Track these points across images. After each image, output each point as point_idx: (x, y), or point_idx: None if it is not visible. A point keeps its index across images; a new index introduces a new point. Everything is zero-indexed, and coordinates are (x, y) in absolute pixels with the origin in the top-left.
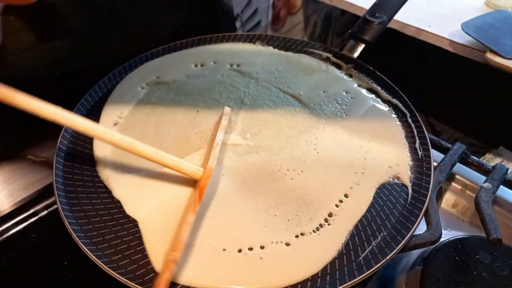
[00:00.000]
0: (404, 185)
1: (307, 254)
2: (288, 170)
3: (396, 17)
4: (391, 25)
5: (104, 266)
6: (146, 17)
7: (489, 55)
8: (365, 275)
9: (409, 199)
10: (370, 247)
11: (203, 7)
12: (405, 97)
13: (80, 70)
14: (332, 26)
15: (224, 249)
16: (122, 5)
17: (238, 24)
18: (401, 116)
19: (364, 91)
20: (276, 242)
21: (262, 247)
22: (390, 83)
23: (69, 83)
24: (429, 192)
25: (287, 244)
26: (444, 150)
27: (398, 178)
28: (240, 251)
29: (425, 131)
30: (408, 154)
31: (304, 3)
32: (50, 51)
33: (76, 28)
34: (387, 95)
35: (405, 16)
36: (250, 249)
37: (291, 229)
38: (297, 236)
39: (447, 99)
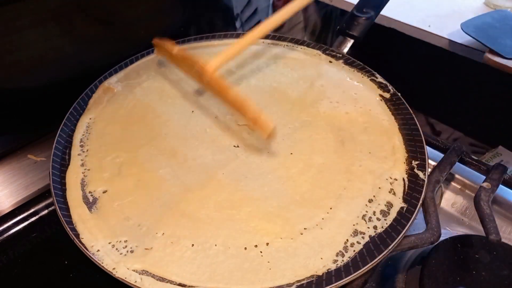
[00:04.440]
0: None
1: (310, 250)
2: (286, 167)
3: (396, 17)
4: (391, 25)
5: (95, 259)
6: (146, 17)
7: (489, 55)
8: (361, 272)
9: (404, 196)
10: (366, 244)
11: (203, 7)
12: (395, 90)
13: (79, 70)
14: (332, 26)
15: (228, 247)
16: (122, 6)
17: (238, 24)
18: (393, 109)
19: (355, 85)
20: (281, 238)
21: (267, 244)
22: (380, 77)
23: (67, 83)
24: (424, 189)
25: (292, 240)
26: (443, 150)
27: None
28: (245, 249)
29: (417, 123)
30: (402, 147)
31: None
32: (49, 52)
33: (75, 28)
34: (378, 89)
35: (405, 16)
36: (256, 246)
37: (294, 225)
38: (301, 233)
39: (446, 99)
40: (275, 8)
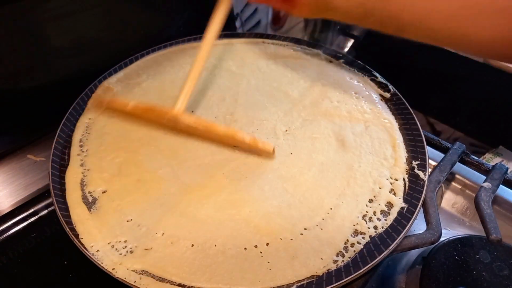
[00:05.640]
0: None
1: (311, 250)
2: (287, 167)
3: None
4: None
5: (94, 259)
6: (146, 17)
7: None
8: (361, 272)
9: (404, 196)
10: (366, 244)
11: (203, 7)
12: (395, 90)
13: (79, 70)
14: (332, 26)
15: (228, 248)
16: (122, 6)
17: (238, 23)
18: (393, 109)
19: (356, 85)
20: (281, 238)
21: (267, 244)
22: (380, 77)
23: (67, 83)
24: (424, 189)
25: (292, 240)
26: (444, 150)
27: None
28: (245, 249)
29: (418, 123)
30: (403, 147)
31: None
32: (50, 52)
33: (75, 28)
34: (378, 89)
35: None
36: (256, 246)
37: (294, 225)
38: (301, 233)
39: (447, 99)
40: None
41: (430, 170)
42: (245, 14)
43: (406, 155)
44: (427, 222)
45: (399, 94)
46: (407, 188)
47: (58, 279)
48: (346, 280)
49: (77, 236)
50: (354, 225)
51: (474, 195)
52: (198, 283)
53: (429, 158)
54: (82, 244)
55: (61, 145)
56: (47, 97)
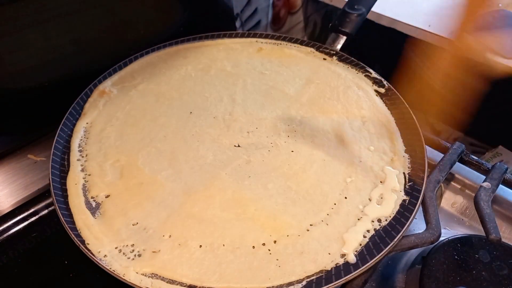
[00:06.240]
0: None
1: (318, 245)
2: (289, 164)
3: (396, 17)
4: (391, 25)
5: (103, 265)
6: (146, 17)
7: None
8: (369, 265)
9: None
10: (366, 243)
11: (203, 7)
12: (390, 85)
13: (79, 69)
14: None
15: (237, 247)
16: (122, 6)
17: (238, 23)
18: (389, 104)
19: (350, 81)
20: (288, 235)
21: (275, 242)
22: (374, 72)
23: (68, 82)
24: (423, 188)
25: (299, 236)
26: (443, 150)
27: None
28: (253, 247)
29: (413, 116)
30: (400, 140)
31: (304, 2)
32: (49, 52)
33: (75, 28)
34: (373, 85)
35: (405, 16)
36: (263, 244)
37: (300, 221)
38: (307, 229)
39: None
40: (275, 8)
41: (429, 169)
42: (245, 14)
43: (404, 148)
44: (427, 221)
45: (394, 89)
46: (407, 181)
47: (58, 279)
48: (355, 274)
49: (83, 242)
50: (358, 219)
51: (473, 194)
52: (209, 284)
53: (427, 153)
54: (89, 250)
55: (60, 151)
56: (47, 97)
